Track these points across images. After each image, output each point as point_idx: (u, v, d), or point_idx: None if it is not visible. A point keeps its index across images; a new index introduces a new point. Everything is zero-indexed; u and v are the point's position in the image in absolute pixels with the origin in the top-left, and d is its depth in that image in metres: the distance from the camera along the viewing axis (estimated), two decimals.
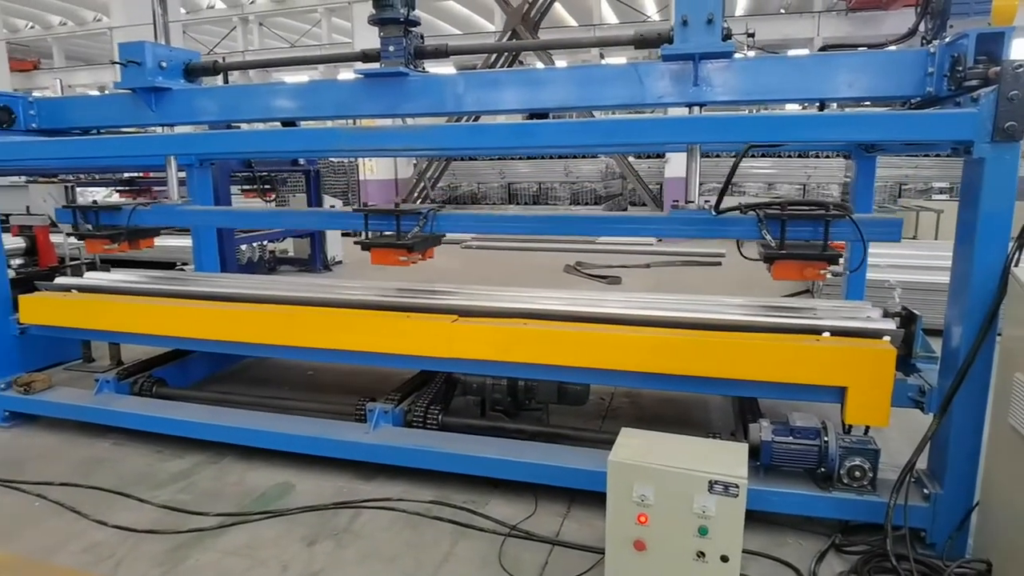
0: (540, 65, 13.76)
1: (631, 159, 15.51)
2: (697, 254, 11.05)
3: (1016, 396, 2.44)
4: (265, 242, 9.92)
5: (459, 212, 4.16)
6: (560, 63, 16.69)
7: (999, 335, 2.70)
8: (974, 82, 2.61)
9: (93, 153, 4.26)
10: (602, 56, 18.08)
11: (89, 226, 4.39)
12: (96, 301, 4.33)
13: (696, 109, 3.28)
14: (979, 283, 2.66)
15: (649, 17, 22.24)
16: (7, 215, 6.04)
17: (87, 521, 3.31)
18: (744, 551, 2.45)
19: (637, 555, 2.47)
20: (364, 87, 3.67)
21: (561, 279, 9.67)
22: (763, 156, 14.97)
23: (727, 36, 3.04)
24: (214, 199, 6.00)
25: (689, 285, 9.04)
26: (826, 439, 2.98)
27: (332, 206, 11.21)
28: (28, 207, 6.97)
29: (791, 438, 3.03)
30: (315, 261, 10.55)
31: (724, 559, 2.36)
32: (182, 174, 5.33)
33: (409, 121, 3.94)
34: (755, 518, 2.90)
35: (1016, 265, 2.59)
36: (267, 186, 9.33)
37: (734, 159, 3.29)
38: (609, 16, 23.84)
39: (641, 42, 3.39)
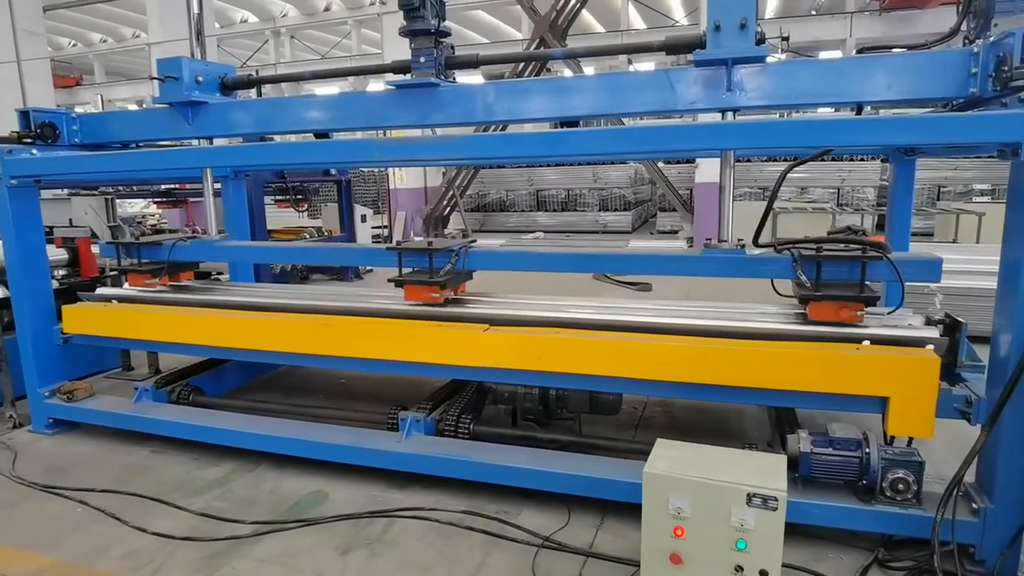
0: (568, 72, 13.76)
1: (661, 164, 15.40)
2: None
3: None
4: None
5: (489, 249, 4.14)
6: (588, 70, 16.67)
7: None
8: (1021, 82, 2.53)
9: (133, 166, 4.38)
10: (630, 62, 18.02)
11: (132, 261, 4.54)
12: (135, 311, 4.43)
13: (729, 115, 3.25)
14: None
15: (677, 22, 22.13)
16: (51, 227, 6.21)
17: (127, 527, 3.37)
18: (783, 565, 2.39)
19: (673, 568, 2.42)
20: (395, 98, 3.70)
21: (591, 287, 9.62)
22: (794, 158, 14.74)
23: (760, 40, 3.00)
24: (248, 210, 6.10)
25: (722, 291, 8.90)
26: (868, 450, 2.89)
27: (363, 215, 11.34)
28: (71, 219, 7.17)
29: (831, 449, 2.96)
30: (347, 270, 10.67)
31: (763, 574, 2.31)
32: (217, 185, 5.45)
33: (438, 131, 3.96)
34: (794, 531, 2.83)
35: None
36: (299, 196, 9.46)
37: (766, 162, 3.24)
38: (637, 22, 23.78)
39: (672, 47, 3.37)
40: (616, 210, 17.58)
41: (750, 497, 2.29)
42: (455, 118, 3.72)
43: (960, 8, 3.08)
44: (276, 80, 4.72)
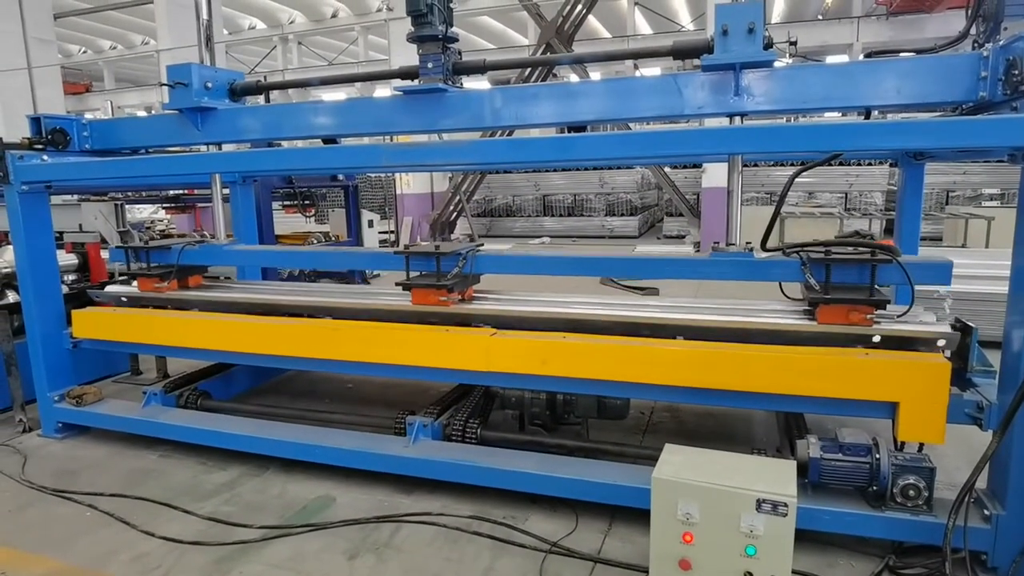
0: (574, 77, 13.78)
1: (667, 169, 15.39)
2: None
3: None
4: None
5: (497, 253, 4.14)
6: (594, 75, 16.70)
7: None
8: None
9: (143, 172, 4.41)
10: (636, 67, 18.03)
11: (142, 265, 4.56)
12: (144, 316, 4.46)
13: (737, 119, 3.24)
14: None
15: (683, 27, 22.13)
16: (61, 233, 6.25)
17: (136, 532, 3.38)
18: (793, 572, 2.38)
19: (682, 575, 2.41)
20: (403, 104, 3.71)
21: (598, 291, 9.61)
22: (802, 163, 14.71)
23: (768, 45, 3.00)
24: (256, 215, 6.13)
25: (730, 296, 8.87)
26: (878, 456, 2.87)
27: (370, 220, 11.37)
28: (80, 225, 7.21)
29: (841, 455, 2.93)
30: (354, 275, 10.68)
31: None
32: (226, 191, 5.48)
33: (445, 136, 3.97)
34: (803, 538, 2.80)
35: None
36: (307, 201, 9.49)
37: (774, 167, 3.24)
38: (643, 27, 23.81)
39: (680, 52, 3.37)
40: (623, 215, 17.57)
41: (760, 503, 2.28)
42: (463, 123, 3.73)
43: (969, 12, 3.07)
44: (285, 86, 4.74)
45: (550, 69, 13.51)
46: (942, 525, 2.70)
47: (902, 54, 3.14)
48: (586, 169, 17.26)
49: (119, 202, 7.32)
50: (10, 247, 5.03)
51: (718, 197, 12.72)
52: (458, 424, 3.80)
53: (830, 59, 18.38)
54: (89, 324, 4.52)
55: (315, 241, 10.32)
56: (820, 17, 20.83)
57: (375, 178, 19.43)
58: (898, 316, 3.17)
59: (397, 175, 17.31)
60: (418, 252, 3.89)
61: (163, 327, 4.35)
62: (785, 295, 3.51)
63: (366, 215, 11.18)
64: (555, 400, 3.75)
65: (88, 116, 4.87)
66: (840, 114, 4.90)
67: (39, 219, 4.46)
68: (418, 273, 3.90)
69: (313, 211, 10.00)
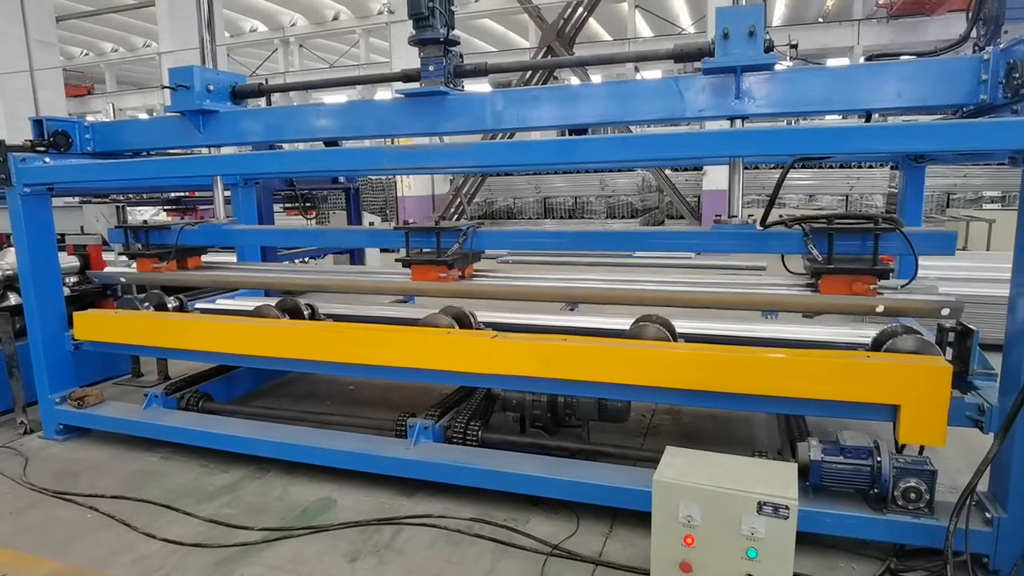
0: (575, 80, 13.79)
1: (668, 172, 15.41)
2: (736, 267, 10.87)
3: None
4: (307, 259, 10.10)
5: (498, 230, 4.18)
6: (595, 77, 16.72)
7: None
8: None
9: (146, 174, 4.41)
10: (637, 70, 18.07)
11: (139, 245, 4.54)
12: (145, 318, 4.46)
13: (738, 122, 3.25)
14: None
15: (684, 30, 22.18)
16: (63, 235, 6.26)
17: (137, 534, 3.38)
18: (794, 574, 2.37)
19: None
20: (405, 107, 3.72)
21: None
22: (803, 167, 14.72)
23: (769, 48, 3.01)
24: (258, 218, 6.15)
25: None
26: (879, 459, 2.87)
27: (371, 223, 11.38)
28: (82, 227, 7.22)
29: (842, 457, 2.93)
30: (353, 261, 10.67)
31: None
32: (227, 193, 5.49)
33: (446, 139, 3.98)
34: (804, 540, 2.80)
35: None
36: (308, 204, 9.50)
37: (774, 169, 3.25)
38: (643, 30, 23.85)
39: (681, 56, 3.38)
40: (623, 217, 17.56)
41: (761, 505, 2.28)
42: (464, 126, 3.73)
43: (970, 15, 3.07)
44: (286, 88, 4.75)
45: (551, 72, 13.54)
46: (943, 528, 2.70)
47: (903, 57, 3.14)
48: (587, 172, 17.28)
49: (120, 204, 7.33)
50: (12, 249, 5.04)
51: (719, 199, 12.73)
52: (459, 426, 3.80)
53: (831, 62, 18.41)
54: (90, 326, 4.53)
55: None
56: (821, 20, 20.86)
57: (376, 181, 19.46)
58: (902, 286, 3.15)
59: (398, 178, 17.34)
60: (418, 228, 3.86)
61: (164, 329, 4.35)
62: (787, 269, 3.49)
63: (367, 217, 11.19)
64: (556, 402, 3.75)
65: (90, 118, 4.88)
66: (841, 117, 4.91)
67: (41, 221, 4.46)
68: (418, 250, 3.87)
69: (314, 213, 10.01)
